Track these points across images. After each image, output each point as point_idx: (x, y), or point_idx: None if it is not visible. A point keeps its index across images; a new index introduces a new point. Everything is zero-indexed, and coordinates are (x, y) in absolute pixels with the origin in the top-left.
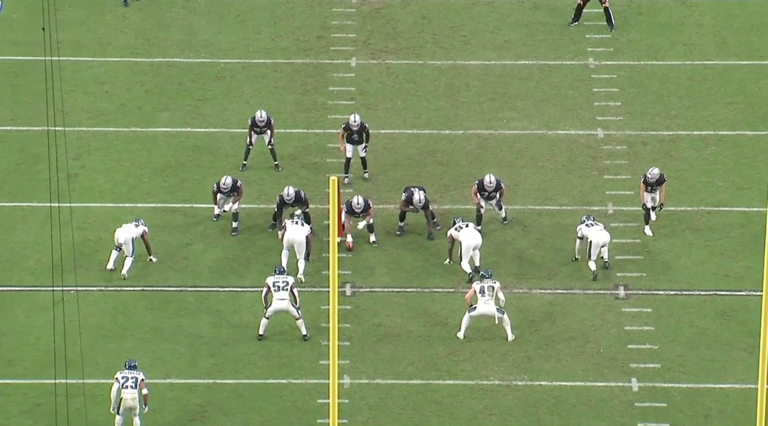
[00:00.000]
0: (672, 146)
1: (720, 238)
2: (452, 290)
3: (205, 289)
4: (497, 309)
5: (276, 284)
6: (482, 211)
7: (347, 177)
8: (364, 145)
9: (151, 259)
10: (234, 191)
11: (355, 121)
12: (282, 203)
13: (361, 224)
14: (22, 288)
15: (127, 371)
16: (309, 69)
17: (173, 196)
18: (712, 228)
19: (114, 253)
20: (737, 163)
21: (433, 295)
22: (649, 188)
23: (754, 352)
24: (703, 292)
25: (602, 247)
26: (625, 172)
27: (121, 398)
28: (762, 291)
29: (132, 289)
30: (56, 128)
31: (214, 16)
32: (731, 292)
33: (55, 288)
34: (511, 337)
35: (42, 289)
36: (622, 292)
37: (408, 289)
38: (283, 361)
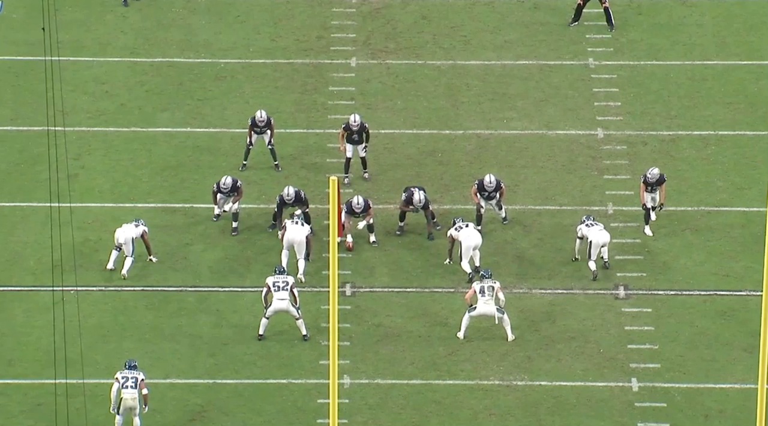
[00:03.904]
0: (672, 146)
1: (720, 238)
2: (452, 290)
3: (205, 289)
4: (497, 309)
5: (276, 284)
6: (482, 211)
7: (347, 177)
8: (364, 145)
9: (151, 259)
10: (234, 191)
11: (355, 121)
12: (282, 203)
13: (361, 224)
14: (22, 288)
15: (127, 371)
16: (309, 69)
17: (173, 196)
18: (712, 228)
19: (114, 253)
20: (737, 163)
21: (433, 295)
22: (649, 188)
23: (754, 352)
24: (702, 292)
25: (602, 247)
26: (625, 172)
27: (121, 398)
28: (762, 291)
29: (132, 289)
30: (56, 128)
31: (214, 16)
32: (731, 292)
33: (55, 288)
34: (511, 337)
35: (42, 289)
36: (622, 292)
37: (408, 289)
38: (283, 361)
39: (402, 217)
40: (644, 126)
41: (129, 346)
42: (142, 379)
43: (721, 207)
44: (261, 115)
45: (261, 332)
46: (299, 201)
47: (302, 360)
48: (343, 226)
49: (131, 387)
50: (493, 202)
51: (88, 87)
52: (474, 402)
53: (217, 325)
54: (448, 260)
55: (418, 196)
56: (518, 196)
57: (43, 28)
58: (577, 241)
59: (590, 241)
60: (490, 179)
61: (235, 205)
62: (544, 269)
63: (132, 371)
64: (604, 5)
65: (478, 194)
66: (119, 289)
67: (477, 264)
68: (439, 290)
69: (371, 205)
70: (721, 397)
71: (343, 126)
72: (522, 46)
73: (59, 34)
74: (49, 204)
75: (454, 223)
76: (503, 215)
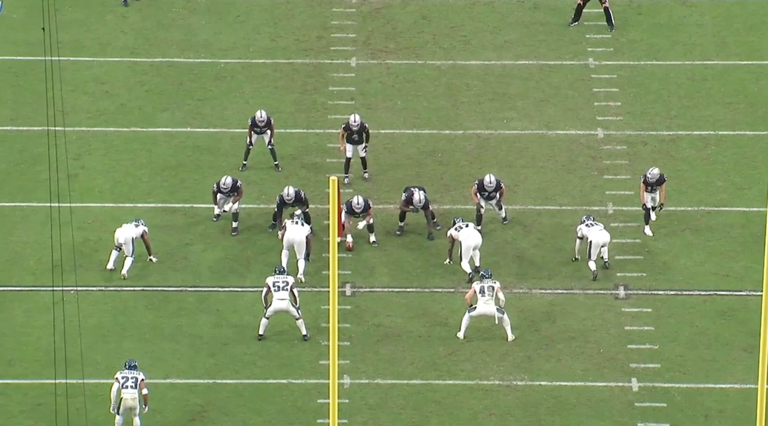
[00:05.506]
0: (672, 146)
1: (720, 238)
2: (452, 290)
3: (205, 289)
4: (497, 309)
5: (276, 284)
6: (482, 211)
7: (347, 177)
8: (364, 145)
9: (151, 259)
10: (234, 191)
11: (355, 121)
12: (282, 203)
13: (361, 224)
14: (22, 288)
15: (127, 371)
16: (309, 69)
17: (173, 196)
18: (712, 228)
19: (114, 253)
20: (737, 163)
21: (433, 295)
22: (649, 188)
23: (754, 352)
24: (702, 292)
25: (602, 247)
26: (625, 172)
27: (121, 398)
28: (762, 291)
29: (132, 289)
30: (56, 128)
31: (214, 16)
32: (731, 292)
33: (55, 288)
34: (511, 337)
35: (42, 289)
36: (622, 292)
37: (408, 289)
38: (283, 361)
39: (402, 217)
40: (644, 126)
41: (129, 346)
42: (142, 379)
43: (721, 207)
44: (261, 115)
45: (261, 332)
46: (299, 201)
47: (302, 360)
48: (343, 226)
49: (131, 387)
50: (493, 202)
51: (88, 87)
52: (474, 402)
53: (217, 325)
54: (448, 260)
55: (418, 196)
56: (518, 196)
57: (43, 28)
58: (577, 241)
59: (590, 241)
60: (490, 179)
61: (235, 205)
62: (544, 269)
63: (132, 371)
64: (604, 5)
65: (478, 194)
66: (119, 289)
67: (477, 264)
68: (439, 290)
69: (371, 205)
70: (721, 397)
71: (343, 126)
72: (522, 46)
73: (59, 34)
74: (49, 204)
75: (454, 223)
76: (503, 215)
